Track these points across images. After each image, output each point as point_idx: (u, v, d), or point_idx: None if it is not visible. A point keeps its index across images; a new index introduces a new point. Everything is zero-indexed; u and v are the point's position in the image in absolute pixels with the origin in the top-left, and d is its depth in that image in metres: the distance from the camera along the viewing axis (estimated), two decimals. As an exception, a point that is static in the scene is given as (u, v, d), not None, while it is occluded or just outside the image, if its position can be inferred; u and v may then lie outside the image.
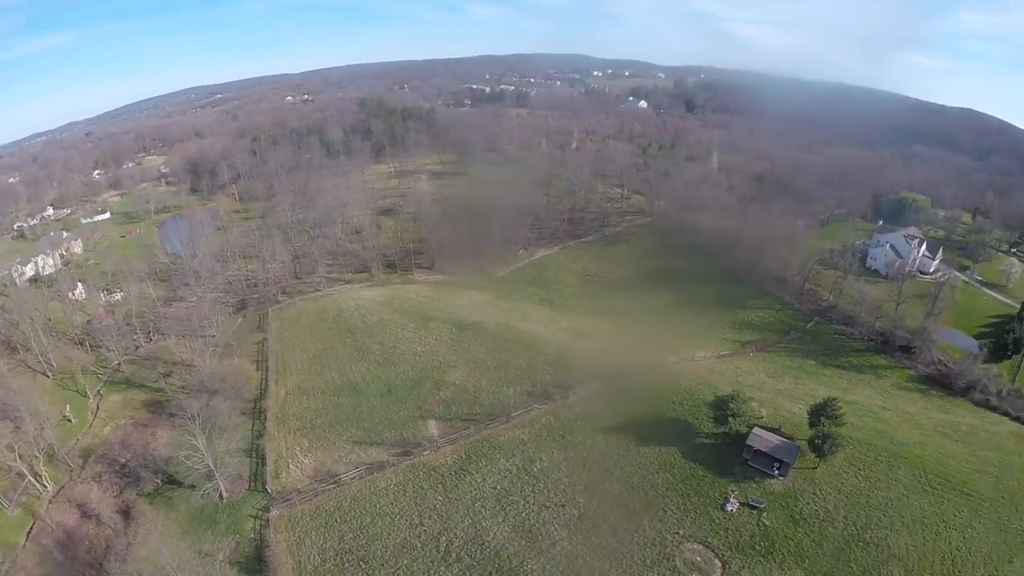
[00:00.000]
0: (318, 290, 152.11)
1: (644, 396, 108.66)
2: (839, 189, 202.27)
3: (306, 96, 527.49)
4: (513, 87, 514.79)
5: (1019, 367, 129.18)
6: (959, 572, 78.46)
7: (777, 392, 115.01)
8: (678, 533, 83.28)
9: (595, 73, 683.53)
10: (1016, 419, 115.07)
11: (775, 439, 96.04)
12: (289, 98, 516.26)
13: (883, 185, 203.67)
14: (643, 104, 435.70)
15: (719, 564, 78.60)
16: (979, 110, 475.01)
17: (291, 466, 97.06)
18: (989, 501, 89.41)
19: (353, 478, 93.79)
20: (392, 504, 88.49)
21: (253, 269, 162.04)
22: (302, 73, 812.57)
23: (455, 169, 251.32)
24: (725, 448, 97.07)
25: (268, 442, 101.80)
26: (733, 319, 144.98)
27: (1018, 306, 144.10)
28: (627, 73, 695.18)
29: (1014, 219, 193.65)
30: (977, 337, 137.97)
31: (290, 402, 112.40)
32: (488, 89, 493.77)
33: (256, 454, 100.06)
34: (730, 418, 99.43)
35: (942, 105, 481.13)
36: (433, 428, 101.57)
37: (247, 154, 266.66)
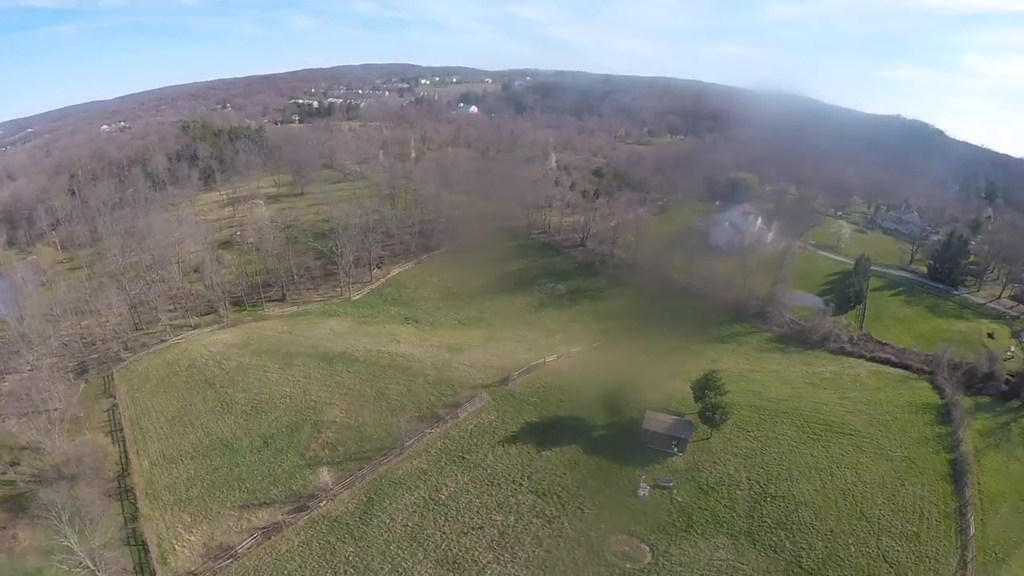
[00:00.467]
0: (164, 340, 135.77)
1: (532, 400, 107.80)
2: (673, 176, 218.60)
3: (123, 123, 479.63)
4: (341, 99, 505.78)
5: (863, 315, 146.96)
6: (860, 504, 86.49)
7: (655, 373, 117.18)
8: (600, 528, 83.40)
9: (423, 81, 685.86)
10: (872, 359, 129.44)
11: (668, 418, 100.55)
12: (105, 127, 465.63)
13: (712, 168, 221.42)
14: (474, 109, 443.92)
15: (647, 548, 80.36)
16: (787, 91, 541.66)
17: (177, 548, 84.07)
18: (868, 436, 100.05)
19: (250, 547, 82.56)
20: (300, 567, 79.18)
21: (88, 325, 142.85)
22: (116, 99, 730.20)
23: (292, 190, 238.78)
24: (622, 436, 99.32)
25: (145, 524, 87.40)
26: (595, 310, 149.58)
27: (852, 263, 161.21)
28: (455, 80, 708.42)
29: (832, 185, 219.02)
30: (820, 295, 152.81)
31: (158, 474, 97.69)
32: (316, 103, 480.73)
33: (136, 541, 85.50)
34: (623, 407, 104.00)
35: (752, 90, 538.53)
36: (325, 475, 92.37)
37: (66, 194, 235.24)
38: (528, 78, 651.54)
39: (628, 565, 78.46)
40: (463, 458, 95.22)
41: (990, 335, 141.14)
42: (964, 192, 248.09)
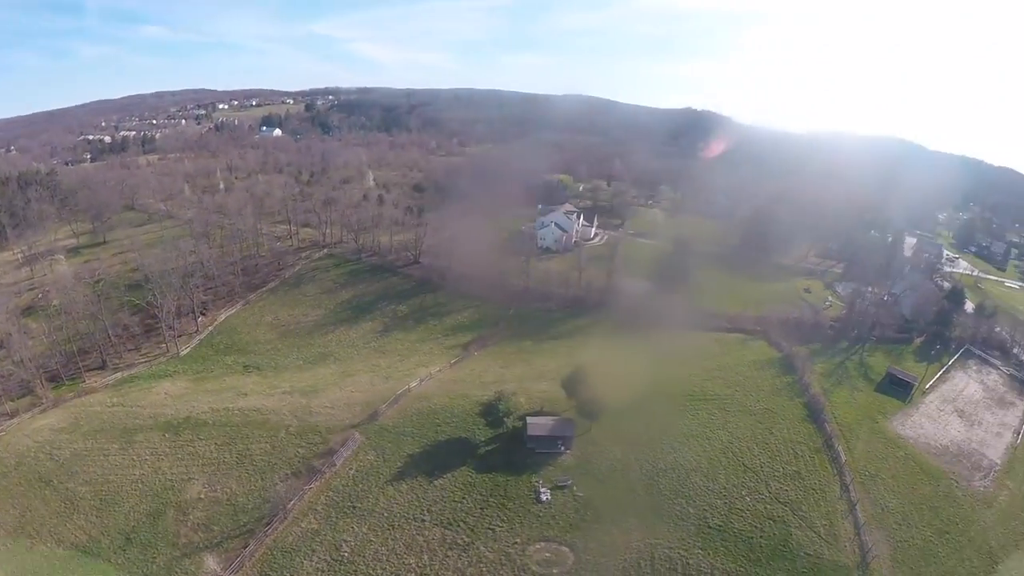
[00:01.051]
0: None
1: (408, 431, 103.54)
2: (492, 183, 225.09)
3: None
4: (135, 132, 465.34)
5: (691, 289, 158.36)
6: (741, 458, 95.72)
7: (519, 378, 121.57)
8: (516, 542, 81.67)
9: (221, 106, 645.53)
10: (706, 331, 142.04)
11: (549, 420, 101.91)
12: None
13: (527, 173, 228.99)
14: (278, 132, 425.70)
15: (567, 550, 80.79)
16: (587, 94, 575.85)
17: None
18: (728, 397, 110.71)
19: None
20: None
21: None
22: None
23: (93, 239, 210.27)
24: (509, 447, 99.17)
25: None
26: (442, 326, 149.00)
27: (671, 246, 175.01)
28: (254, 102, 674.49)
29: (641, 177, 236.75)
30: (647, 278, 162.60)
31: (11, 611, 79.17)
32: (108, 138, 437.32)
33: None
34: (504, 419, 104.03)
35: (553, 95, 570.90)
36: (211, 562, 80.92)
37: None
38: (331, 97, 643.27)
39: (555, 571, 77.76)
40: (354, 507, 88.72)
41: (806, 290, 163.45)
42: (756, 170, 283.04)
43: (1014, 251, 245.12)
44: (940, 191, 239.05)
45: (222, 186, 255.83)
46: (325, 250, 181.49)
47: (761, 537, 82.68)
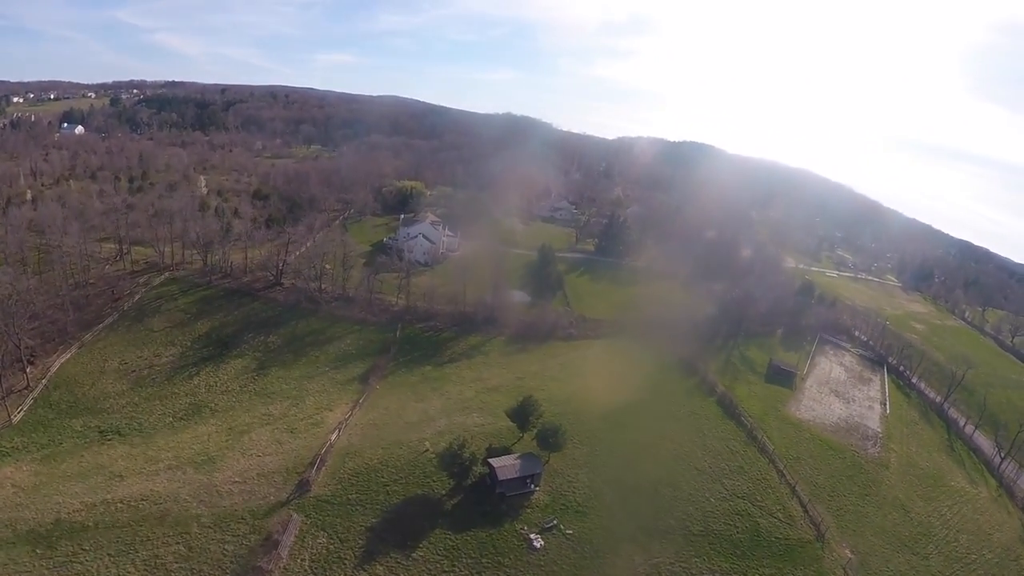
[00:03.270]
0: None
1: (353, 498, 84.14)
2: (341, 190, 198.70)
3: None
4: None
5: (567, 299, 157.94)
6: (691, 462, 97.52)
7: (444, 412, 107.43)
8: None
9: (15, 99, 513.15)
10: (597, 337, 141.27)
11: (514, 460, 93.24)
12: None
13: (374, 178, 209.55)
14: (81, 130, 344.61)
15: None
16: (403, 96, 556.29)
17: None
18: (654, 407, 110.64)
19: None
20: None
21: None
22: None
23: None
24: (477, 497, 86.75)
25: None
26: (326, 357, 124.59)
27: (534, 254, 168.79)
28: (52, 96, 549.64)
29: (484, 183, 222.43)
30: (520, 288, 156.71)
31: None
32: None
33: None
34: (469, 467, 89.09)
35: (370, 96, 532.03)
36: None
37: None
38: (136, 91, 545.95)
39: None
40: (327, 601, 68.55)
41: (669, 292, 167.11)
42: (588, 176, 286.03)
43: (824, 243, 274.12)
44: (749, 191, 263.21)
45: (29, 195, 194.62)
46: (167, 273, 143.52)
47: (737, 533, 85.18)
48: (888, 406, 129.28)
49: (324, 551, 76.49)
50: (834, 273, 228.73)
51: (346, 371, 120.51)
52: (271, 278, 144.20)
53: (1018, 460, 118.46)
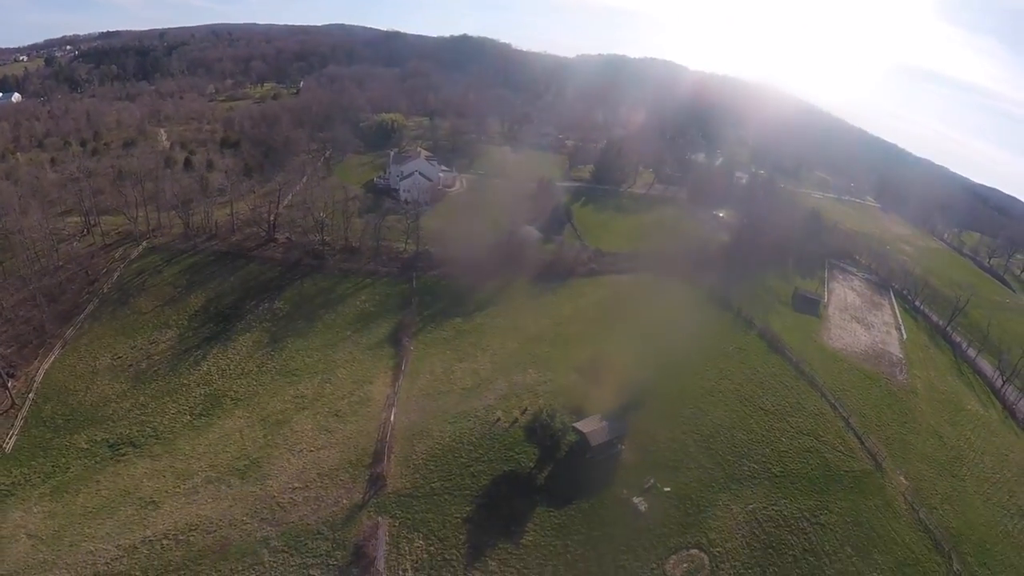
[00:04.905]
0: None
1: (437, 488, 70.29)
2: (315, 129, 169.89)
3: None
4: None
5: (578, 232, 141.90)
6: (757, 401, 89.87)
7: (501, 371, 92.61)
8: (652, 568, 65.89)
9: None
10: (617, 272, 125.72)
11: (598, 422, 79.58)
12: None
13: (348, 113, 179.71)
14: (17, 97, 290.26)
15: (697, 552, 68.72)
16: (349, 23, 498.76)
17: None
18: (701, 346, 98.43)
19: None
20: None
21: None
22: None
23: None
24: (568, 466, 75.54)
25: None
26: (344, 320, 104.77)
27: (531, 185, 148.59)
28: None
29: (461, 111, 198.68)
30: (529, 224, 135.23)
31: None
32: None
33: None
34: (561, 437, 77.69)
35: (315, 26, 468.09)
36: None
37: None
38: (70, 47, 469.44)
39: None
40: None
41: (676, 220, 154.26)
42: (559, 98, 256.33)
43: (803, 164, 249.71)
44: (718, 109, 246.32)
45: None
46: (144, 243, 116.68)
47: (811, 470, 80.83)
48: (904, 331, 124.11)
49: (425, 555, 63.46)
50: (819, 195, 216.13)
51: (370, 333, 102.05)
52: (263, 234, 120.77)
53: (1017, 385, 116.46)
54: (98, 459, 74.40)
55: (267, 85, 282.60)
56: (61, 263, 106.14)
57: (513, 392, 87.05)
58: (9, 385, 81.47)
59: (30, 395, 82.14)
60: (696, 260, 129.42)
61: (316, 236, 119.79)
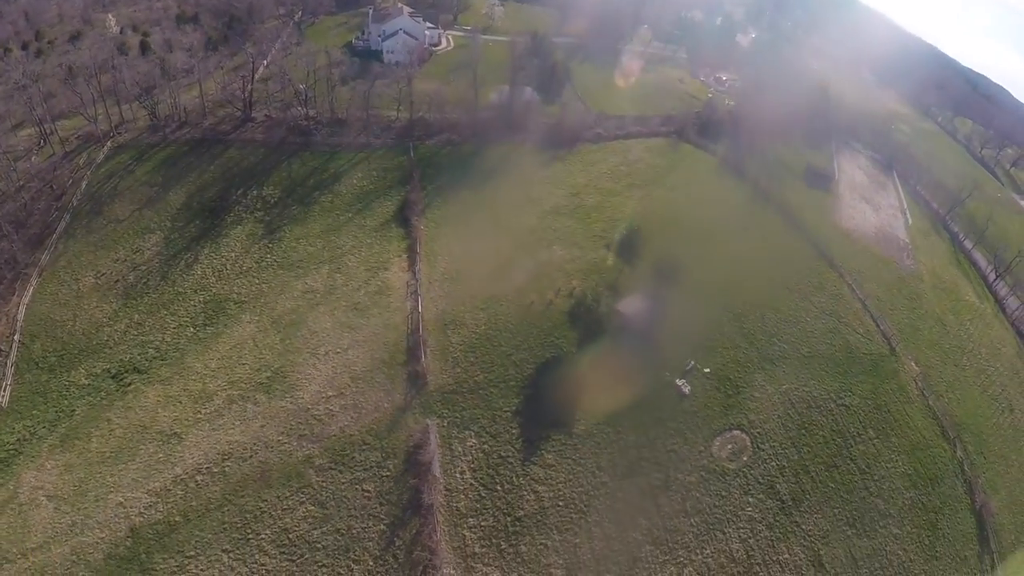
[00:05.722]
0: None
1: (479, 381, 63.11)
2: None
3: None
4: None
5: (577, 94, 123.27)
6: (783, 281, 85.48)
7: (522, 248, 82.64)
8: (700, 449, 63.87)
9: None
10: (627, 136, 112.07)
11: (636, 303, 74.36)
12: None
13: None
14: None
15: (739, 433, 67.17)
16: None
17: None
18: (724, 216, 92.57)
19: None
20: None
21: None
22: None
23: None
24: (606, 342, 69.71)
25: None
26: (342, 201, 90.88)
27: (523, 40, 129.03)
28: None
29: None
30: (526, 84, 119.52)
31: None
32: None
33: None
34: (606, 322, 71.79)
35: None
36: None
37: None
38: None
39: (744, 458, 65.00)
40: (518, 521, 54.10)
41: (680, 81, 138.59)
42: None
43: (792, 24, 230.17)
44: None
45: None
46: (108, 143, 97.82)
47: (835, 352, 78.67)
48: (909, 216, 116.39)
49: (480, 454, 57.81)
50: (816, 65, 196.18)
51: (373, 213, 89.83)
52: (239, 114, 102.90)
53: (1007, 282, 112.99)
54: (103, 394, 64.72)
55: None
56: (22, 183, 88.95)
57: (542, 272, 78.54)
58: (-5, 317, 69.81)
59: (15, 336, 69.93)
60: (705, 125, 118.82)
61: (299, 110, 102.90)
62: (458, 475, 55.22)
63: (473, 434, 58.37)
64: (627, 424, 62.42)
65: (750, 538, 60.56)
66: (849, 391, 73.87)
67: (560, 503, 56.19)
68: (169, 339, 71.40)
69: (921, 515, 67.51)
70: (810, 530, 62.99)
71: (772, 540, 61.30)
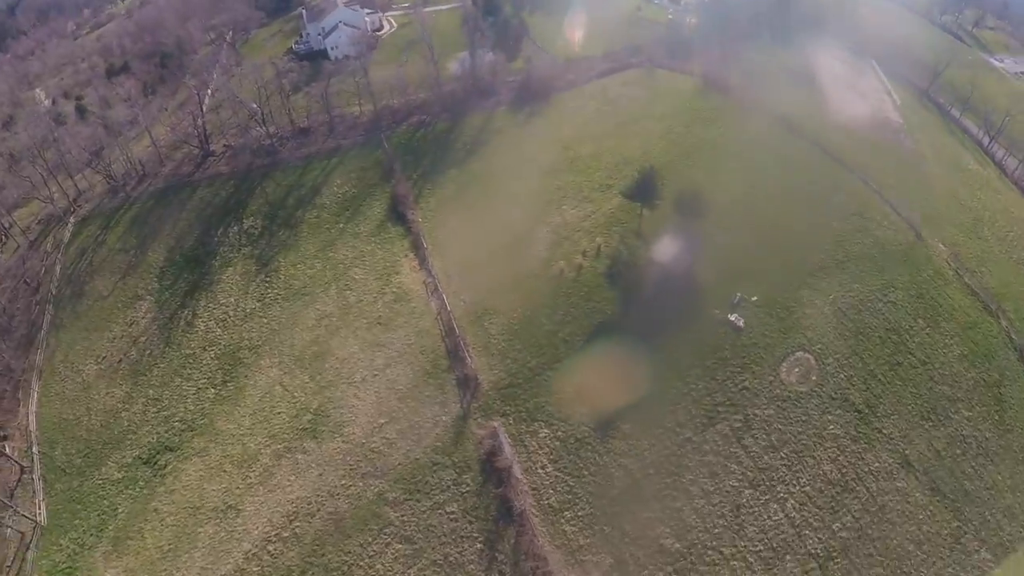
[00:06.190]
0: None
1: (530, 365, 57.94)
2: (205, 18, 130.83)
3: None
4: None
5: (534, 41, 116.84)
6: (807, 190, 79.26)
7: (530, 219, 75.98)
8: (770, 380, 60.20)
9: None
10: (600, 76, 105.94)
11: (669, 246, 68.58)
12: None
13: None
14: None
15: (803, 355, 63.35)
16: None
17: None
18: (727, 140, 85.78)
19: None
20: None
21: None
22: None
23: None
24: (647, 302, 64.29)
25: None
26: (329, 212, 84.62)
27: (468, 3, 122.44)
28: None
29: None
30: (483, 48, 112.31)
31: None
32: None
33: None
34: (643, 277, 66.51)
35: None
36: None
37: None
38: None
39: (813, 377, 61.87)
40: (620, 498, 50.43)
41: (638, 9, 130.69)
42: None
43: None
44: None
45: None
46: (71, 220, 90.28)
47: (868, 249, 73.78)
48: (895, 96, 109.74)
49: (557, 443, 53.19)
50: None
51: (364, 217, 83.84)
52: (197, 151, 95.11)
53: (1001, 143, 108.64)
54: (141, 484, 59.24)
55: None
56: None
57: (561, 236, 72.93)
58: (7, 450, 62.70)
59: (34, 449, 63.90)
60: (673, 47, 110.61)
61: (258, 130, 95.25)
62: (540, 471, 50.85)
63: (543, 424, 53.68)
64: (693, 373, 58.15)
65: (839, 456, 57.25)
66: (892, 286, 70.79)
67: (651, 471, 52.37)
68: (192, 407, 66.08)
69: (985, 391, 65.78)
70: (891, 433, 60.69)
71: (859, 452, 58.11)
